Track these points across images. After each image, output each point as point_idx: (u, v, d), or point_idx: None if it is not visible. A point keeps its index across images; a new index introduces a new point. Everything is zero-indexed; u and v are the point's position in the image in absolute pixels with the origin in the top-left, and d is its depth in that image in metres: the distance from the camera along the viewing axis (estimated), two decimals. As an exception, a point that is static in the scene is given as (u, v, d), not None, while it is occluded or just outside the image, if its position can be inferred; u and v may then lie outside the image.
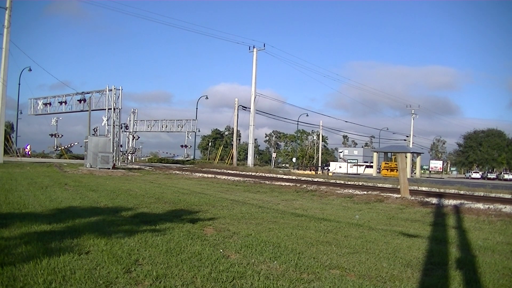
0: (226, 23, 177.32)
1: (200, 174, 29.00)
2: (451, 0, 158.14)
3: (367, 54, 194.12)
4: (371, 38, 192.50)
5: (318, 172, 54.25)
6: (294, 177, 28.22)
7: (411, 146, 73.01)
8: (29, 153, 50.67)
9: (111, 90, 34.83)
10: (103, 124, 35.49)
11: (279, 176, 29.89)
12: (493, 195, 17.45)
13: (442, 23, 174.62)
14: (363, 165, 75.07)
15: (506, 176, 71.22)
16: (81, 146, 48.80)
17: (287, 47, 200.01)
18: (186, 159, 56.53)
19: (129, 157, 48.92)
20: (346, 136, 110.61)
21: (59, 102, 41.00)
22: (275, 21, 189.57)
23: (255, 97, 47.57)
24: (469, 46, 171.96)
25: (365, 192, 17.07)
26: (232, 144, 58.71)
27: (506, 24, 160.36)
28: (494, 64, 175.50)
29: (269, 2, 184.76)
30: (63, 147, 53.11)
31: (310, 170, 57.95)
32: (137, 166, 40.27)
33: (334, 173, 57.83)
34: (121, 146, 42.50)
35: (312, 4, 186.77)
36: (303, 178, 27.23)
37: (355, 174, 60.04)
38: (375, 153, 63.70)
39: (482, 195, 17.28)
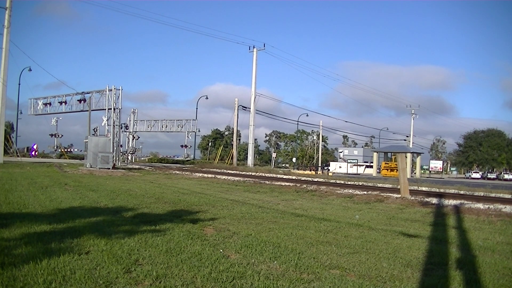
0: (222, 23, 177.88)
1: (200, 174, 29.00)
2: (444, 0, 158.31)
3: (359, 54, 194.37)
4: (363, 37, 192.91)
5: (318, 172, 54.25)
6: (294, 177, 28.22)
7: (411, 146, 73.03)
8: (36, 153, 50.39)
9: (111, 90, 34.83)
10: (103, 124, 35.52)
11: (279, 176, 29.89)
12: (493, 195, 17.44)
13: (434, 23, 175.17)
14: (363, 165, 75.05)
15: (506, 176, 71.26)
16: (81, 151, 48.93)
17: (281, 46, 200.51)
18: (186, 159, 56.56)
19: (129, 157, 48.92)
20: (346, 136, 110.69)
21: (59, 102, 41.03)
22: (269, 21, 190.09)
23: (255, 97, 47.58)
24: (462, 46, 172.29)
25: (365, 192, 17.07)
26: (232, 144, 58.69)
27: (500, 23, 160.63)
28: (488, 64, 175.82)
29: (263, 2, 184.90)
30: (63, 148, 53.12)
31: (310, 170, 57.96)
32: (137, 166, 40.27)
33: (334, 173, 57.81)
34: (121, 146, 42.53)
35: (304, 4, 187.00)
36: (303, 178, 27.23)
37: (355, 174, 60.03)
38: (375, 153, 63.70)
39: (482, 195, 17.27)
